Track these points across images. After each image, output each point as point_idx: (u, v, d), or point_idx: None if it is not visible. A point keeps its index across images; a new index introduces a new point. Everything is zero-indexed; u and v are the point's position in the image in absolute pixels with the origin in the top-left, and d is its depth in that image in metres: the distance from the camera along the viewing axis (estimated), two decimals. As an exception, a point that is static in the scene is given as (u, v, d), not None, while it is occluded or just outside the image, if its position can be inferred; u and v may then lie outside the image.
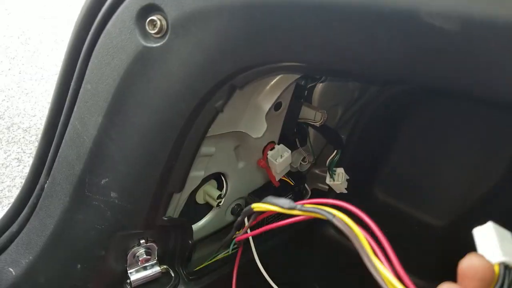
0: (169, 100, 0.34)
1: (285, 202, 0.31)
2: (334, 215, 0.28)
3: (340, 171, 0.52)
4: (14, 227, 0.42)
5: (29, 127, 1.68)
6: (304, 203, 0.30)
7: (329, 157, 0.52)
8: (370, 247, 0.26)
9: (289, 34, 0.29)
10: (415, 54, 0.26)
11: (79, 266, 0.40)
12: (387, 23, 0.25)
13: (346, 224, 0.27)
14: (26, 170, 1.48)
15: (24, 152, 1.56)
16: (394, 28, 0.25)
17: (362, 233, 0.26)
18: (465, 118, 0.53)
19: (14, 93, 1.84)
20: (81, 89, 0.36)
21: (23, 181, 0.42)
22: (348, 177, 0.52)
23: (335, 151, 0.51)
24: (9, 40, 2.19)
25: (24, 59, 2.07)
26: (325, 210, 0.28)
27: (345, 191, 0.53)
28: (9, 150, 1.56)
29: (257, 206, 0.33)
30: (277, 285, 0.46)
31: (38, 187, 0.41)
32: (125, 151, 0.36)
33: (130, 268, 0.43)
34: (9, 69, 1.99)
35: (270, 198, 0.32)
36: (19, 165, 1.51)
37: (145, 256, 0.43)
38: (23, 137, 1.62)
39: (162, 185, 0.38)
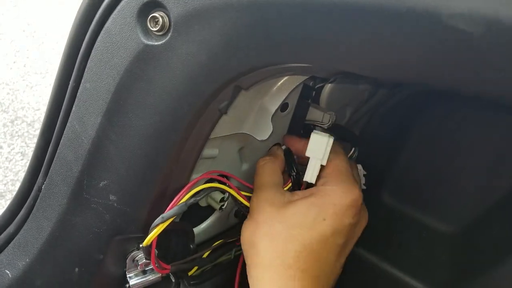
0: (171, 101, 0.33)
1: (177, 208, 0.37)
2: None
3: (358, 167, 0.50)
4: (11, 228, 0.41)
5: (33, 121, 1.67)
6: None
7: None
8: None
9: (299, 33, 0.28)
10: (434, 56, 0.24)
11: (76, 269, 0.39)
12: (405, 24, 0.24)
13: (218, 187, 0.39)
14: (30, 164, 1.47)
15: (28, 146, 1.56)
16: (412, 30, 0.24)
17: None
18: (478, 122, 0.51)
19: (18, 86, 1.84)
20: (80, 88, 0.35)
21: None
22: (365, 173, 0.50)
23: (353, 148, 0.50)
24: (14, 33, 2.18)
25: (29, 52, 2.06)
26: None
27: (364, 187, 0.51)
28: (13, 144, 1.56)
29: (147, 239, 0.37)
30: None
31: (35, 187, 0.39)
32: (125, 153, 0.35)
33: (129, 272, 0.42)
34: (14, 62, 1.98)
35: (162, 216, 0.37)
36: (22, 159, 1.51)
37: (144, 260, 0.41)
38: (27, 131, 1.62)
39: (162, 189, 0.37)
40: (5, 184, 1.42)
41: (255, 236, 0.38)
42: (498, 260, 0.47)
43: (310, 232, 0.36)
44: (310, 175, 0.41)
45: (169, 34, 0.31)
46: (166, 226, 0.39)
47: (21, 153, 1.53)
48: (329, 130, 0.50)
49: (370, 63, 0.27)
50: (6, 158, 1.50)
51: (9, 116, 1.67)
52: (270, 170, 0.42)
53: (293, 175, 0.44)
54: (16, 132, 1.61)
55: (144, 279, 0.41)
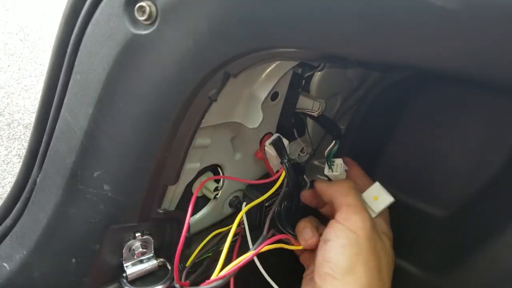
0: (160, 90, 0.33)
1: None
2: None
3: (338, 162, 0.51)
4: (8, 222, 0.42)
5: (29, 123, 1.67)
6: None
7: (328, 147, 0.51)
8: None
9: (287, 18, 0.28)
10: (415, 35, 0.25)
11: (73, 260, 0.40)
12: (385, 2, 0.24)
13: None
14: (27, 167, 1.47)
15: (25, 148, 1.56)
16: (393, 8, 0.24)
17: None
18: (467, 106, 0.51)
19: (14, 89, 1.84)
20: (71, 80, 0.36)
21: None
22: (347, 168, 0.51)
23: (334, 141, 0.50)
24: (7, 37, 2.17)
25: (23, 56, 2.06)
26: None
27: None
28: (10, 147, 1.56)
29: None
30: (277, 282, 0.46)
31: (30, 181, 0.40)
32: (117, 143, 0.36)
33: (126, 262, 0.42)
34: (8, 65, 1.98)
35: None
36: (20, 162, 1.51)
37: (141, 249, 0.42)
38: (24, 134, 1.62)
39: (155, 178, 0.38)
40: (3, 187, 1.42)
41: None
42: (489, 242, 0.48)
43: None
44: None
45: (157, 23, 0.31)
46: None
47: (19, 155, 1.53)
48: (316, 120, 0.51)
49: (355, 45, 0.28)
50: (4, 161, 1.50)
51: (5, 119, 1.67)
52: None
53: (285, 162, 0.45)
54: (13, 135, 1.61)
55: (141, 267, 0.42)
